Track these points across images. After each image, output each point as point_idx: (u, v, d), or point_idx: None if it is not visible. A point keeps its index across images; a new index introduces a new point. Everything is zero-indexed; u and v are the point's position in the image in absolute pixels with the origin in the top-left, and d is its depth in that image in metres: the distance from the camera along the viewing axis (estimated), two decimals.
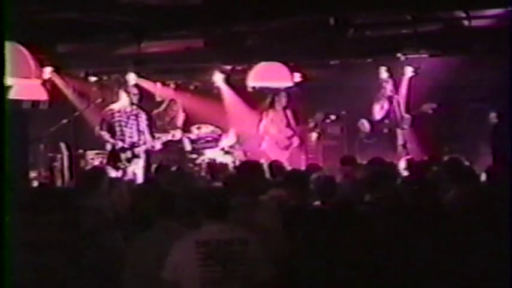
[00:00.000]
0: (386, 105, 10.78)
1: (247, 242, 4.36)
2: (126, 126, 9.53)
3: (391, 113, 10.75)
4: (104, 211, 5.41)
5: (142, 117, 9.60)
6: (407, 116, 10.59)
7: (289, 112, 10.94)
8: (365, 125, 10.92)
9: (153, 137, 9.59)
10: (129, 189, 6.76)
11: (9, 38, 3.87)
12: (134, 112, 9.58)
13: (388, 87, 10.68)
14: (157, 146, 9.59)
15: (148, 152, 9.58)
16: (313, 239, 4.39)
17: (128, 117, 9.53)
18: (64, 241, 4.72)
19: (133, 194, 6.17)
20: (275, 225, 5.26)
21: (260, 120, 11.00)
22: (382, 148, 10.35)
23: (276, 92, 10.97)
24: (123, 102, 9.65)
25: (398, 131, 10.70)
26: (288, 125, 10.89)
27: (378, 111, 10.88)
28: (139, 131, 9.54)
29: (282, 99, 10.91)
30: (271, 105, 10.95)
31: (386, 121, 10.82)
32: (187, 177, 7.25)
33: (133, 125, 9.53)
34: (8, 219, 3.43)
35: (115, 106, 9.70)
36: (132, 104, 9.55)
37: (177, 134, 10.16)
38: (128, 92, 9.64)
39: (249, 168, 6.18)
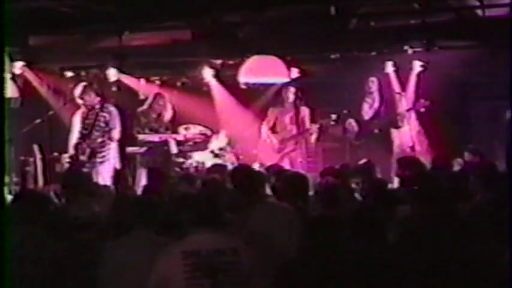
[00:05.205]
0: (376, 104, 10.92)
1: (239, 252, 4.33)
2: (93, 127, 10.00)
3: (382, 112, 10.90)
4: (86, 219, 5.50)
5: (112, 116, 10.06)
6: (403, 113, 10.69)
7: (305, 110, 10.85)
8: (352, 124, 10.99)
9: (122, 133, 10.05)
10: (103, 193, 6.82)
11: None
12: (102, 113, 10.04)
13: (375, 83, 10.85)
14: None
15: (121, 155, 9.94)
16: (315, 248, 4.32)
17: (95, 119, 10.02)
18: (45, 252, 4.76)
19: (109, 199, 6.20)
20: (270, 233, 5.26)
21: (260, 124, 11.02)
22: (373, 150, 10.39)
23: (284, 86, 10.98)
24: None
25: (393, 130, 10.80)
26: (296, 123, 10.83)
27: (367, 110, 11.01)
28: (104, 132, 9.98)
29: (290, 95, 10.88)
30: (282, 103, 10.95)
31: (376, 121, 10.91)
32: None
33: (99, 127, 10.01)
34: None
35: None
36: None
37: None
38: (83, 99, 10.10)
39: (244, 173, 6.18)
